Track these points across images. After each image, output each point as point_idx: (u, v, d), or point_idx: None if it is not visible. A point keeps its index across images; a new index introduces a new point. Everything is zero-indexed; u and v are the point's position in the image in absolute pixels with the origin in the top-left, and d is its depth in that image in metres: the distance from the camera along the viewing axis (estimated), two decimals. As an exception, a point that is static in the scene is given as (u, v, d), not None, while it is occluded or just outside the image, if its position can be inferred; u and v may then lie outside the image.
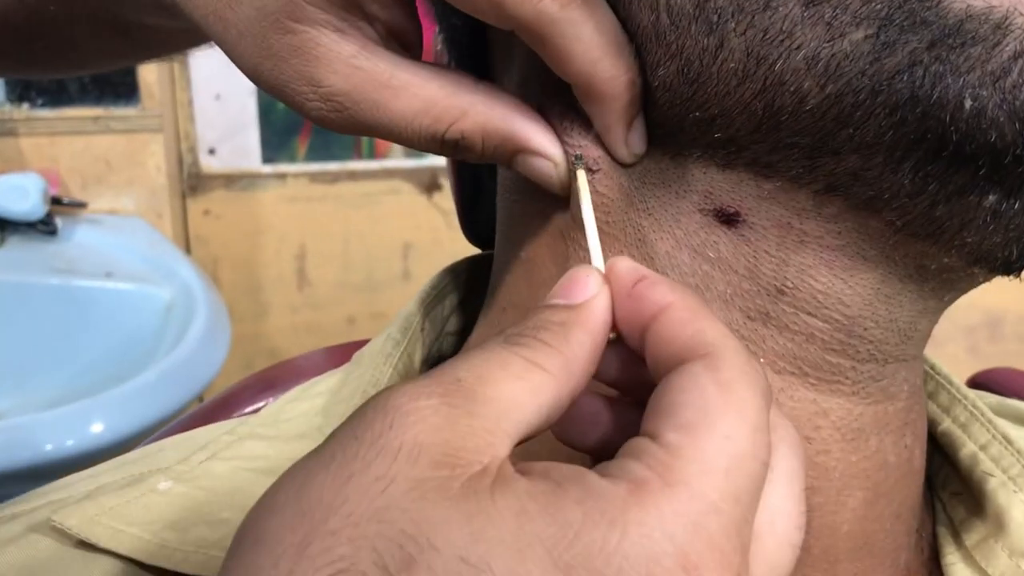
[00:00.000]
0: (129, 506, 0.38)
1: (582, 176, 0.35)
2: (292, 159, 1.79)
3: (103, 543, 0.37)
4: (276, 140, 1.77)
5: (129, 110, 1.63)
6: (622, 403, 0.30)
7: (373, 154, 1.82)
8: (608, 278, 0.29)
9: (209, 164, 1.76)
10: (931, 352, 0.45)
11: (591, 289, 0.28)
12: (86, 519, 0.38)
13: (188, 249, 1.78)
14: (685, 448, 0.23)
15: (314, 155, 1.80)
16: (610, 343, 0.29)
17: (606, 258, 0.31)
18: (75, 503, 0.39)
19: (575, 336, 0.27)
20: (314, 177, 1.81)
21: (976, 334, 2.09)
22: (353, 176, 1.83)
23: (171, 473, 0.40)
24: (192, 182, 1.76)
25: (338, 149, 1.80)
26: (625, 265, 0.29)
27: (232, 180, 1.78)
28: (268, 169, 1.79)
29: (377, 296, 1.89)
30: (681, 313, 0.27)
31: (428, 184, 1.85)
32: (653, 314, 0.27)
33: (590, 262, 0.31)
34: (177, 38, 0.49)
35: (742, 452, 0.24)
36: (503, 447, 0.24)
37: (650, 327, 0.27)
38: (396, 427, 0.23)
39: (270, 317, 1.87)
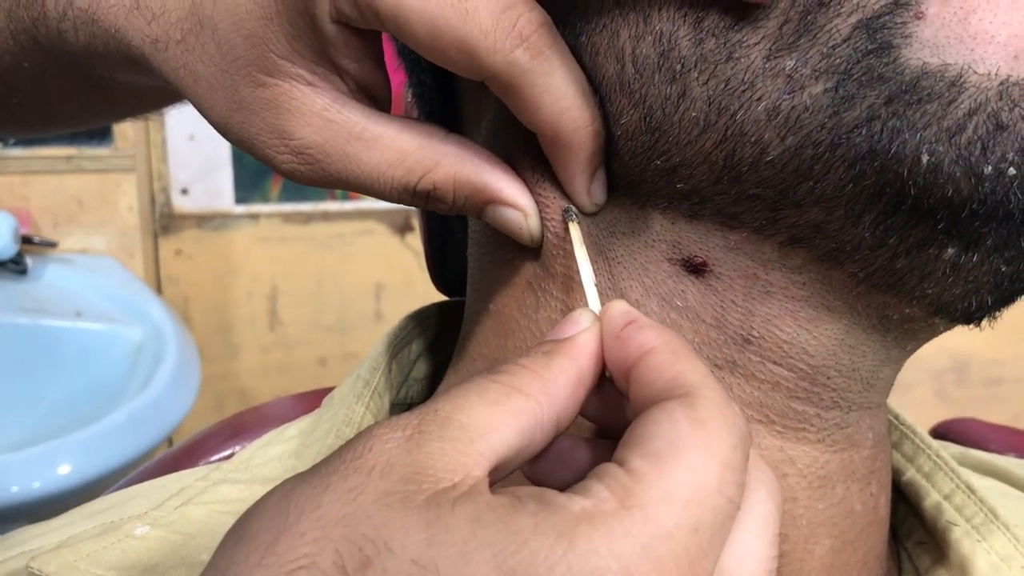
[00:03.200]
0: (107, 551, 0.38)
1: (575, 228, 0.35)
2: (265, 199, 1.79)
3: None
4: (249, 180, 1.77)
5: (102, 150, 1.63)
6: (597, 443, 0.30)
7: (347, 195, 1.82)
8: (602, 319, 0.30)
9: (182, 204, 1.75)
10: (899, 396, 0.45)
11: (580, 325, 0.29)
12: (65, 564, 0.37)
13: (159, 289, 1.77)
14: (648, 475, 0.24)
15: (287, 196, 1.80)
16: (601, 383, 0.29)
17: (575, 307, 0.31)
18: (51, 550, 0.38)
19: (557, 362, 0.28)
20: (287, 218, 1.81)
21: (943, 378, 2.10)
22: (326, 217, 1.83)
23: (147, 519, 0.40)
24: (164, 222, 1.76)
25: (311, 190, 1.80)
26: (619, 308, 0.30)
27: (204, 220, 1.77)
28: (241, 209, 1.78)
29: (349, 337, 1.88)
30: (665, 356, 0.27)
31: (401, 225, 1.85)
32: (638, 356, 0.28)
33: (565, 311, 0.32)
34: (151, 95, 0.49)
35: (706, 486, 0.24)
36: (478, 468, 0.24)
37: (634, 368, 0.28)
38: (374, 450, 0.24)
39: (241, 358, 1.86)
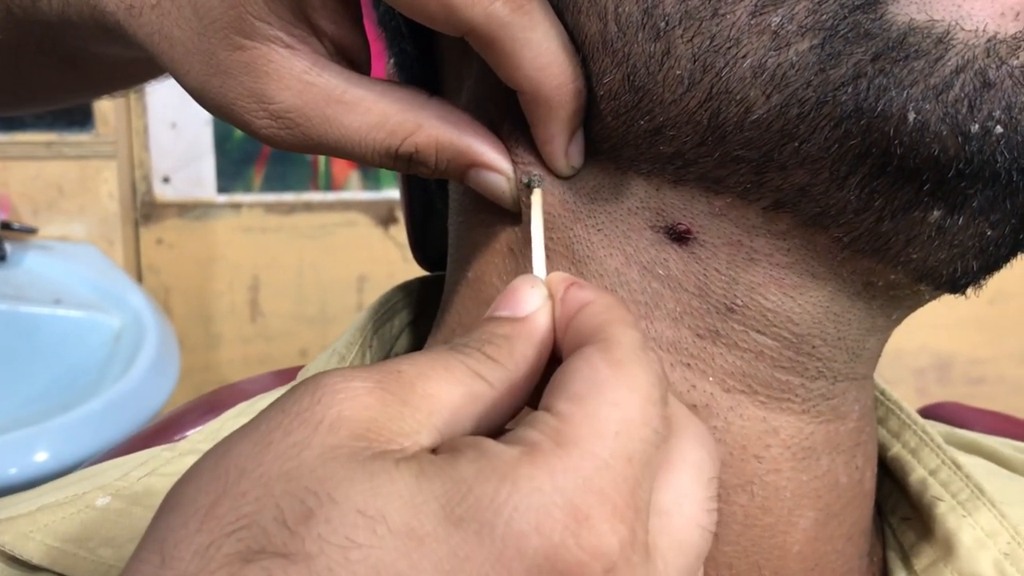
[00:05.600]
0: (65, 522, 0.38)
1: (537, 195, 0.35)
2: (247, 189, 1.78)
3: (35, 560, 0.36)
4: (232, 169, 1.76)
5: (83, 136, 1.61)
6: None
7: (329, 186, 1.81)
8: (550, 290, 0.29)
9: (163, 192, 1.74)
10: (880, 393, 0.45)
11: (535, 302, 0.29)
12: (19, 535, 0.37)
13: (140, 278, 1.76)
14: (575, 415, 0.24)
15: (270, 185, 1.79)
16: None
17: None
18: (6, 520, 0.38)
19: (520, 350, 0.27)
20: (269, 208, 1.80)
21: (925, 376, 2.11)
22: (309, 207, 1.82)
23: (110, 489, 0.40)
24: (145, 210, 1.74)
25: (294, 180, 1.79)
26: (558, 275, 0.30)
27: (186, 209, 1.76)
28: (223, 199, 1.77)
29: (330, 329, 1.88)
30: (595, 308, 0.27)
31: (384, 217, 1.84)
32: (574, 312, 0.28)
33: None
34: (127, 68, 0.48)
35: (631, 418, 0.24)
36: (428, 439, 0.24)
37: (569, 324, 0.28)
38: (323, 402, 0.23)
39: (222, 348, 1.85)
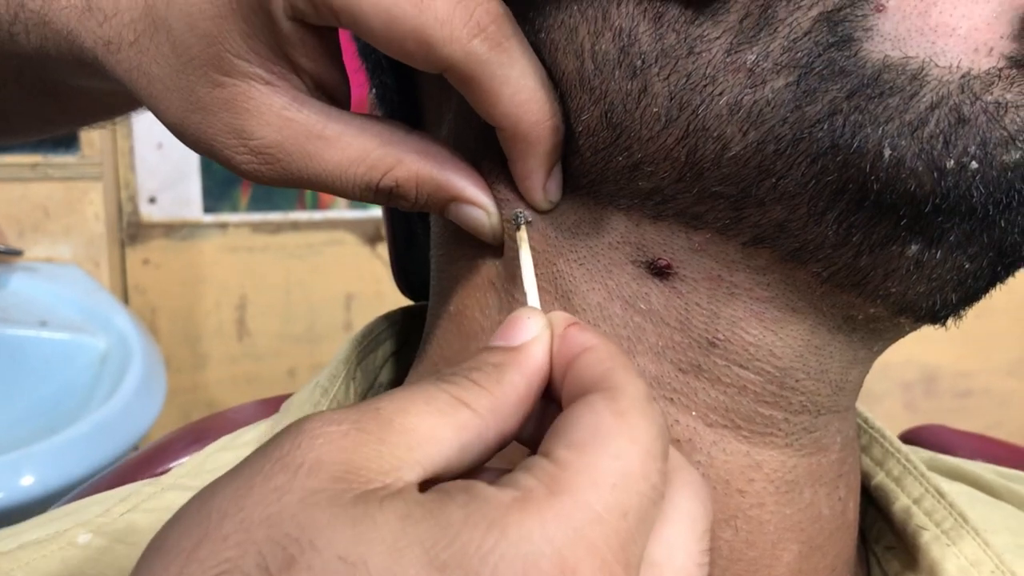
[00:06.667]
0: (46, 560, 0.37)
1: (524, 231, 0.35)
2: (234, 209, 1.78)
3: None
4: (218, 189, 1.75)
5: (68, 157, 1.61)
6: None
7: (316, 205, 1.81)
8: (551, 324, 0.29)
9: (149, 213, 1.74)
10: (867, 408, 0.45)
11: (531, 331, 0.28)
12: (1, 573, 0.36)
13: (126, 299, 1.75)
14: (574, 462, 0.24)
15: (256, 205, 1.79)
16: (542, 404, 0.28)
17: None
18: None
19: (508, 377, 0.27)
20: (256, 227, 1.80)
21: (912, 390, 2.11)
22: (296, 226, 1.82)
23: (91, 526, 0.39)
24: (132, 231, 1.74)
25: (281, 199, 1.79)
26: (560, 313, 0.29)
27: (172, 229, 1.76)
28: (209, 219, 1.77)
29: (318, 348, 1.87)
30: (599, 354, 0.27)
31: (371, 235, 1.84)
32: (578, 352, 0.27)
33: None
34: (106, 100, 0.48)
35: (631, 471, 0.24)
36: (411, 473, 0.24)
37: (571, 365, 0.27)
38: (303, 447, 0.23)
39: (209, 368, 1.84)
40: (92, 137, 1.60)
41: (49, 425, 1.23)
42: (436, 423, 0.25)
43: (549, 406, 0.29)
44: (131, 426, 1.25)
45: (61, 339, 1.43)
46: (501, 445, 0.27)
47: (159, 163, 1.71)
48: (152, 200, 1.73)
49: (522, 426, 0.27)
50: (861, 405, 0.43)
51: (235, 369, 1.85)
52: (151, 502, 0.41)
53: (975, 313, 0.35)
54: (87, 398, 1.32)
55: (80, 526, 0.39)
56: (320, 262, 1.84)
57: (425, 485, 0.24)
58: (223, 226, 1.78)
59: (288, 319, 1.85)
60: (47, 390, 1.39)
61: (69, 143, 1.60)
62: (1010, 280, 0.34)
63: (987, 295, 0.34)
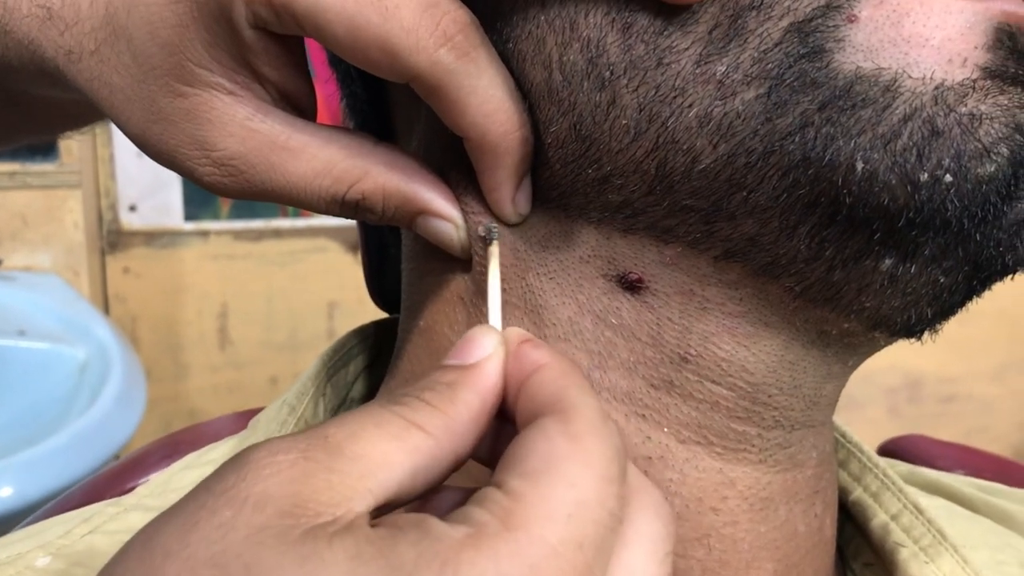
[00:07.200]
0: None
1: (495, 247, 0.34)
2: (215, 216, 1.77)
3: None
4: (199, 197, 1.74)
5: (47, 165, 1.60)
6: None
7: (298, 212, 1.80)
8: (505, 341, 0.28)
9: (130, 221, 1.73)
10: (851, 414, 0.45)
11: (486, 349, 0.28)
12: None
13: (107, 307, 1.74)
14: (527, 494, 0.23)
15: (238, 213, 1.78)
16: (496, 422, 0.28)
17: (505, 326, 0.30)
18: None
19: (461, 396, 0.26)
20: (237, 235, 1.79)
21: (896, 396, 2.12)
22: (278, 234, 1.81)
23: (51, 548, 0.38)
24: (112, 239, 1.73)
25: (262, 207, 1.78)
26: (515, 330, 0.29)
27: (153, 237, 1.75)
28: (190, 226, 1.76)
29: (301, 356, 1.86)
30: (552, 372, 0.27)
31: (354, 243, 1.84)
32: (530, 372, 0.27)
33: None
34: (70, 110, 0.47)
35: (586, 500, 0.23)
36: (361, 503, 0.23)
37: (523, 385, 0.27)
38: (249, 479, 0.23)
39: (190, 377, 1.83)
40: (71, 145, 1.59)
41: (28, 436, 1.22)
42: (387, 448, 0.24)
43: (505, 425, 0.28)
44: (111, 437, 1.24)
45: (40, 349, 1.42)
46: (456, 465, 0.26)
47: (139, 171, 1.70)
48: (132, 208, 1.72)
49: (477, 445, 0.27)
50: (844, 415, 0.42)
51: (217, 378, 1.84)
52: (112, 523, 0.40)
53: (959, 319, 0.34)
54: (66, 409, 1.31)
55: (40, 548, 0.38)
56: (302, 270, 1.83)
57: (378, 512, 0.23)
58: (204, 234, 1.77)
59: (270, 327, 1.85)
60: (26, 401, 1.38)
61: (48, 151, 1.59)
62: (994, 286, 0.33)
63: (964, 308, 0.34)
